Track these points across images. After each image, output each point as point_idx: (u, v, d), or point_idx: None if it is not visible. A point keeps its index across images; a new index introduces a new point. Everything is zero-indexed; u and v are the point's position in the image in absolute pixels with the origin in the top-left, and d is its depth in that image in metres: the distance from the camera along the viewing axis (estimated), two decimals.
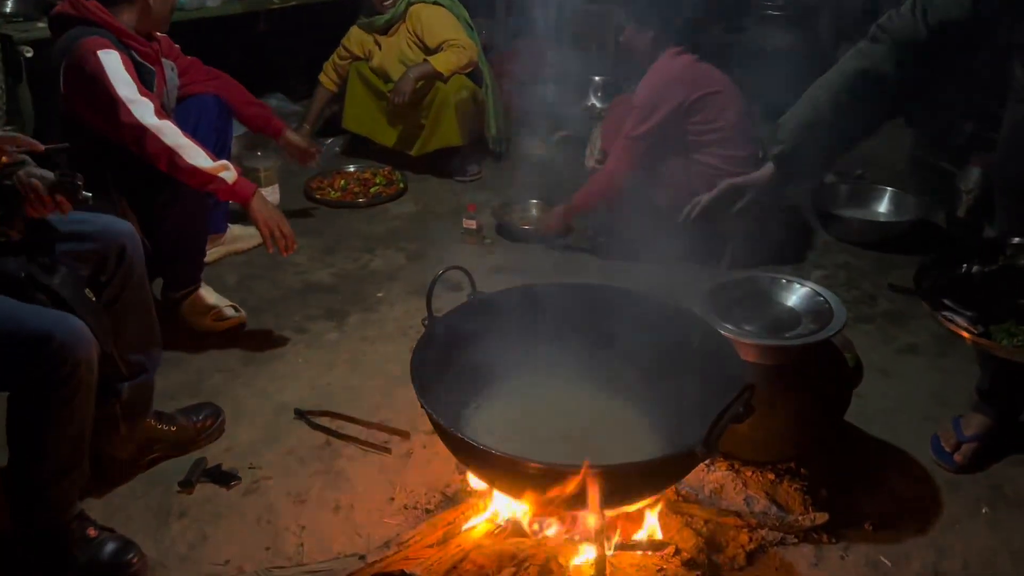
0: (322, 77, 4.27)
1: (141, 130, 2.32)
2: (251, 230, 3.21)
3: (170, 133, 2.35)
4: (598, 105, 4.74)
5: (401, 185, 4.02)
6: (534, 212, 3.72)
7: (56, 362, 1.65)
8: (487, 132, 4.24)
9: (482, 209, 3.59)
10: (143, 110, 2.33)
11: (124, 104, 2.31)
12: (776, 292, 2.19)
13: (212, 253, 3.12)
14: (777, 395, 2.01)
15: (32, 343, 1.63)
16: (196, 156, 2.37)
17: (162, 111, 2.41)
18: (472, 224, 3.50)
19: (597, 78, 4.82)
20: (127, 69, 2.35)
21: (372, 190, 3.95)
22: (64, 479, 1.78)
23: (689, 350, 1.88)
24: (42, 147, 1.76)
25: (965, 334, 1.75)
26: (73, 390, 1.69)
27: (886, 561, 1.94)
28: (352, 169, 4.17)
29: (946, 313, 1.79)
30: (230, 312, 2.79)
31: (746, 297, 2.17)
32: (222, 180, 2.40)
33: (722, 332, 1.91)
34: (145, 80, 2.45)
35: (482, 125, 4.22)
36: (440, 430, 1.68)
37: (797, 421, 2.08)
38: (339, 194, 3.93)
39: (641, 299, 2.02)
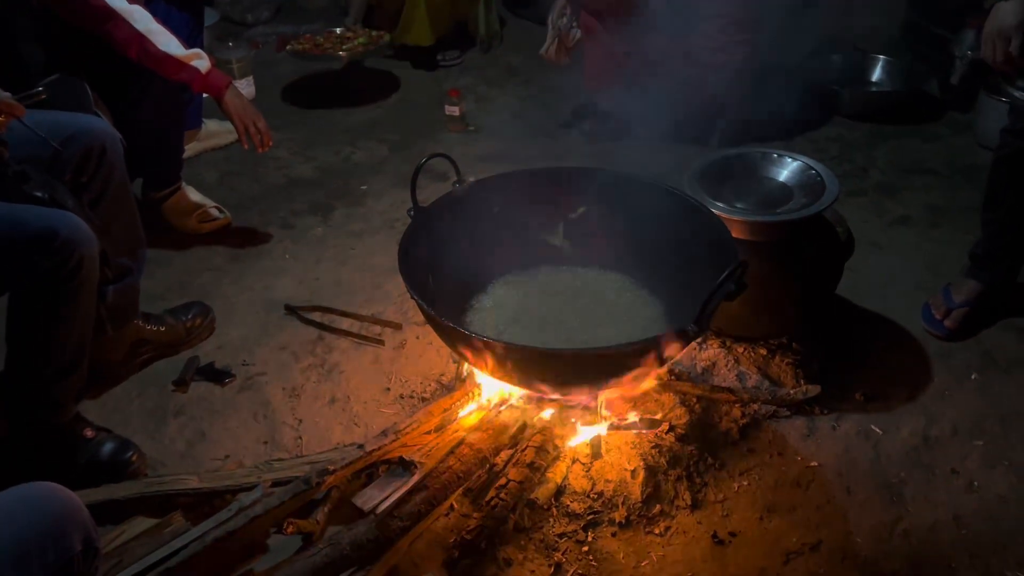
0: None
1: (110, 13, 2.21)
2: (228, 125, 3.09)
3: (141, 18, 2.25)
4: None
5: (387, 38, 3.81)
6: None
7: (62, 258, 1.65)
8: (476, 32, 4.06)
9: (465, 95, 3.48)
10: None
11: None
12: (767, 167, 2.15)
13: (189, 149, 3.04)
14: (769, 271, 1.99)
15: (38, 240, 1.63)
16: (168, 43, 2.27)
17: None
18: (455, 111, 3.40)
19: None
20: None
21: (358, 42, 3.73)
22: (65, 379, 1.78)
23: (683, 229, 1.85)
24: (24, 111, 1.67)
25: None
26: (78, 286, 1.70)
27: (877, 429, 1.97)
28: (339, 31, 3.88)
29: None
30: (215, 212, 2.74)
31: (737, 173, 2.13)
32: (195, 69, 2.31)
33: (713, 210, 1.88)
34: None
35: (464, 13, 4.03)
36: (432, 321, 1.67)
37: (789, 296, 2.08)
38: (308, 45, 3.72)
39: (633, 180, 1.98)
